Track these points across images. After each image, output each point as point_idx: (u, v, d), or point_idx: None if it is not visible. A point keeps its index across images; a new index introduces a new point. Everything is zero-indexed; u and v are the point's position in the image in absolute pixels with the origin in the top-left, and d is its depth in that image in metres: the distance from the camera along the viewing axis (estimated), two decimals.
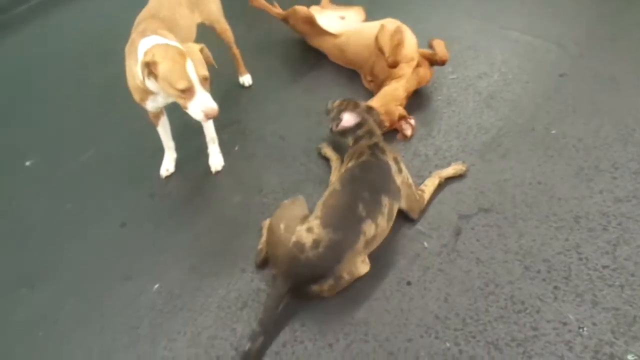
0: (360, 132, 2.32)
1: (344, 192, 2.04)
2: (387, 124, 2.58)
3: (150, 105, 2.28)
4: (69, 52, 3.84)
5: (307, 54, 3.33)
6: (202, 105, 2.01)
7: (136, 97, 2.25)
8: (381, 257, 2.10)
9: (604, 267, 2.03)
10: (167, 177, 2.59)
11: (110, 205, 2.53)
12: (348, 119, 2.33)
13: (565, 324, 1.87)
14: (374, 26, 2.85)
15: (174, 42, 2.06)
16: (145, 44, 2.04)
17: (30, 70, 3.73)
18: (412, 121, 2.65)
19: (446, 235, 2.19)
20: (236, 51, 3.01)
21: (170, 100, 2.21)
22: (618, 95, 2.75)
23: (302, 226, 1.95)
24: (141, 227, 2.39)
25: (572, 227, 2.18)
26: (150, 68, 1.95)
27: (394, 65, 2.67)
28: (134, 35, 2.19)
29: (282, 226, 1.99)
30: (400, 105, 2.68)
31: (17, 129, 3.19)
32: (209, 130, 2.51)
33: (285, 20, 3.29)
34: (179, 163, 2.67)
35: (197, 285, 2.13)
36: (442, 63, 2.80)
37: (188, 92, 1.98)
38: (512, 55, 3.12)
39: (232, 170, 2.62)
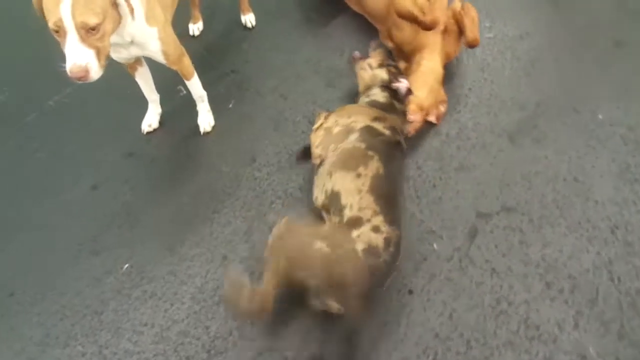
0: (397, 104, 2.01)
1: (388, 177, 1.76)
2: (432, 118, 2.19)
3: (113, 54, 1.84)
4: None
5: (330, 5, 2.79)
6: (69, 57, 1.54)
7: None
8: None
9: (638, 292, 1.76)
10: (148, 133, 2.28)
11: (82, 161, 2.24)
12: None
13: (584, 357, 1.63)
14: None
15: None
16: None
17: None
18: (444, 108, 2.24)
19: (460, 237, 1.90)
20: None
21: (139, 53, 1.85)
22: None
23: (359, 229, 1.62)
24: (115, 192, 2.12)
25: (607, 240, 1.89)
26: None
27: (432, 25, 2.19)
28: None
29: (321, 245, 1.58)
30: (441, 84, 2.24)
31: None
32: (194, 87, 2.16)
33: None
34: (164, 118, 2.34)
35: (172, 269, 1.90)
36: (471, 46, 2.30)
37: (59, 35, 1.54)
38: (562, 16, 2.64)
39: (224, 133, 2.29)
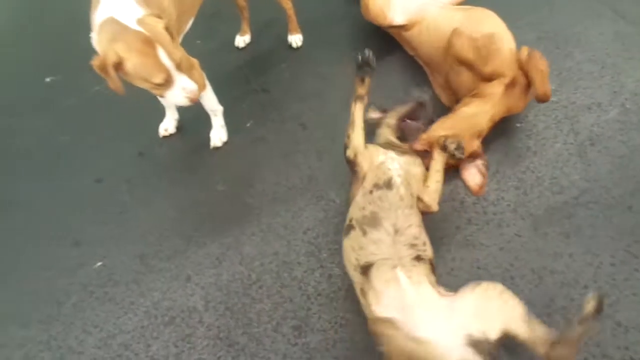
0: None
1: None
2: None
3: None
4: None
5: (382, 35, 2.61)
6: (183, 92, 1.78)
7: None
8: None
9: None
10: (164, 136, 2.35)
11: (97, 152, 2.37)
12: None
13: None
14: (453, 19, 2.15)
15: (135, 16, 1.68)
16: (100, 15, 1.69)
17: None
18: (484, 167, 2.01)
19: None
20: (288, 3, 2.53)
21: None
22: None
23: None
24: (114, 188, 2.21)
25: None
26: (111, 66, 1.64)
27: (491, 77, 2.01)
28: None
29: None
30: (478, 138, 2.03)
31: (47, 44, 3.11)
32: (207, 100, 2.17)
33: None
34: (183, 123, 2.40)
35: (137, 278, 1.93)
36: (541, 101, 2.02)
37: (166, 83, 1.73)
38: None
39: (233, 150, 2.28)
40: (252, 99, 2.45)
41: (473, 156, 2.02)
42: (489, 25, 2.06)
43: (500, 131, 2.17)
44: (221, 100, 2.26)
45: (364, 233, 1.61)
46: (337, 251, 1.91)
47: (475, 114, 2.02)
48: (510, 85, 2.03)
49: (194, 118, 2.39)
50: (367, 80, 1.83)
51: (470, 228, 1.93)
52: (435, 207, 1.74)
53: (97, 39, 1.69)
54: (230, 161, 2.24)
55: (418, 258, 1.54)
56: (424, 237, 1.60)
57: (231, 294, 1.85)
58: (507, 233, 1.90)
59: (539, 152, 2.10)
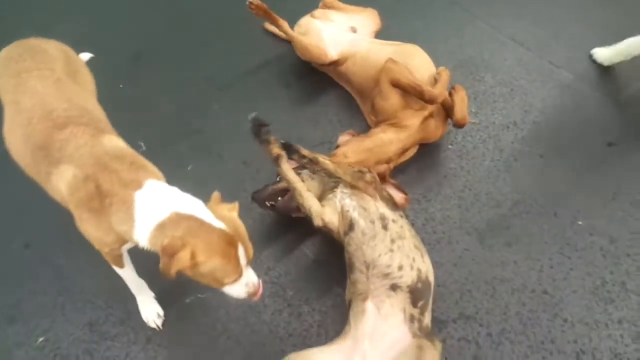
0: None
1: None
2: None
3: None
4: None
5: (311, 74, 2.74)
6: (247, 287, 1.49)
7: (105, 248, 1.60)
8: None
9: None
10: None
11: (22, 214, 2.19)
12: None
13: None
14: (385, 52, 2.36)
15: (201, 209, 1.43)
16: (150, 207, 1.40)
17: None
18: (398, 185, 2.17)
19: None
20: None
21: None
22: None
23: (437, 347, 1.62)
24: (48, 251, 2.05)
25: None
26: (183, 266, 1.34)
27: (435, 100, 2.17)
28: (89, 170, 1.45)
29: None
30: (386, 163, 2.20)
31: None
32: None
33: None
34: None
35: (89, 348, 1.80)
36: (458, 126, 2.30)
37: (233, 281, 1.48)
38: (556, 104, 2.61)
39: None
40: (188, 141, 2.42)
41: (382, 179, 2.16)
42: (418, 59, 2.30)
43: (434, 155, 2.39)
44: (157, 148, 2.22)
45: (349, 277, 1.74)
46: (303, 287, 1.95)
47: (390, 142, 2.22)
48: (429, 116, 2.26)
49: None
50: (271, 138, 1.87)
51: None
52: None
53: (157, 241, 1.38)
54: None
55: (394, 287, 1.63)
56: (397, 261, 1.67)
57: (198, 348, 1.80)
58: (457, 249, 2.08)
59: (472, 171, 2.34)
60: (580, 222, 2.15)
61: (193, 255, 1.32)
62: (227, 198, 2.20)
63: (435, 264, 2.01)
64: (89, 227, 1.48)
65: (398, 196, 2.16)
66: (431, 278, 1.73)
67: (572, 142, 2.44)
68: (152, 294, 1.89)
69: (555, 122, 2.53)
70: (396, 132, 2.22)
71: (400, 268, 1.66)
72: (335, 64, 2.50)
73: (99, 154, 1.46)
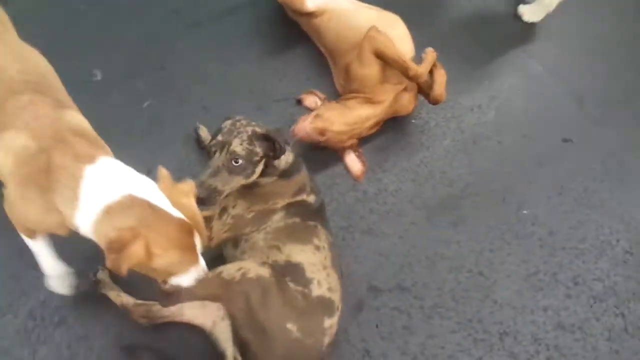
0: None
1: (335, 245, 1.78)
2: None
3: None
4: None
5: (286, 25, 2.63)
6: (197, 274, 1.36)
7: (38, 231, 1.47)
8: None
9: None
10: None
11: None
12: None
13: None
14: (367, 16, 2.29)
15: (156, 194, 1.27)
16: (100, 185, 1.25)
17: None
18: (362, 156, 2.22)
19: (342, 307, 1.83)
20: None
21: None
22: (622, 189, 2.34)
23: (332, 319, 1.61)
24: None
25: (493, 346, 1.87)
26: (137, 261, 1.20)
27: (418, 78, 2.16)
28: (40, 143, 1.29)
29: (292, 328, 1.51)
30: (356, 138, 2.23)
31: None
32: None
33: None
34: None
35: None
36: (434, 103, 2.29)
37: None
38: (522, 94, 2.64)
39: (126, 133, 2.15)
40: (148, 77, 2.32)
41: (351, 149, 2.22)
42: (400, 29, 2.25)
43: (397, 127, 2.39)
44: (113, 79, 2.11)
45: None
46: None
47: (367, 118, 2.21)
48: (403, 90, 2.25)
49: None
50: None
51: (372, 217, 2.11)
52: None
53: (103, 229, 1.22)
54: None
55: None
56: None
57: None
58: (404, 222, 2.12)
59: (431, 147, 2.36)
60: (525, 211, 2.22)
61: (148, 249, 1.18)
62: (182, 142, 2.17)
63: (382, 235, 2.07)
64: (29, 207, 1.32)
65: (355, 167, 2.18)
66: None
67: (531, 132, 2.49)
68: (67, 270, 1.67)
69: (518, 111, 2.57)
70: (372, 108, 2.19)
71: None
72: (311, 15, 2.41)
73: (60, 128, 1.31)
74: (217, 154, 1.62)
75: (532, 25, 2.90)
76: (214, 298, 1.55)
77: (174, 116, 2.23)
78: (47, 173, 1.25)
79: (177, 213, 1.25)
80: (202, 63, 2.43)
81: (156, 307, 1.63)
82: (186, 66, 2.41)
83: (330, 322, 1.59)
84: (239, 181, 1.64)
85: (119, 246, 1.15)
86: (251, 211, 1.72)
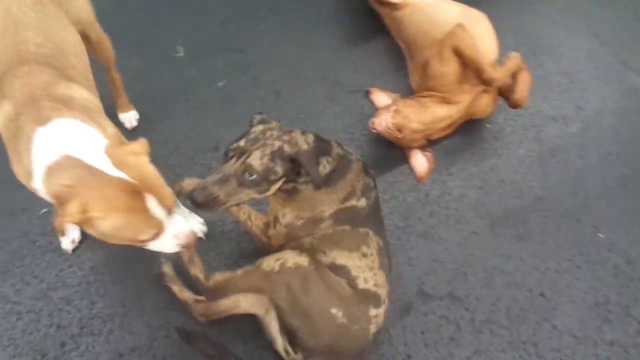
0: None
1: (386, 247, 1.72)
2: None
3: None
4: None
5: (366, 15, 2.60)
6: (176, 239, 1.33)
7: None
8: None
9: None
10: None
11: None
12: None
13: None
14: (451, 11, 2.20)
15: (96, 154, 1.21)
16: (44, 147, 1.22)
17: None
18: (431, 156, 2.15)
19: (389, 309, 1.78)
20: (116, 75, 2.02)
21: None
22: None
23: (378, 309, 1.58)
24: None
25: None
26: (77, 222, 1.17)
27: (493, 83, 2.05)
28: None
29: (337, 313, 1.49)
30: (429, 139, 2.17)
31: None
32: None
33: None
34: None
35: None
36: (513, 107, 2.17)
37: (154, 236, 1.30)
38: (614, 108, 2.43)
39: (200, 107, 2.23)
40: (226, 58, 2.39)
41: (421, 149, 2.15)
42: (484, 28, 2.14)
43: (470, 130, 2.28)
44: (194, 56, 2.19)
45: None
46: None
47: (442, 119, 2.12)
48: (482, 92, 2.14)
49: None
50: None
51: (431, 220, 2.03)
52: None
53: (48, 189, 1.20)
54: (194, 121, 2.19)
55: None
56: None
57: None
58: (465, 229, 2.02)
59: (504, 155, 2.24)
60: (601, 235, 2.05)
61: (84, 210, 1.12)
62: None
63: (439, 239, 1.99)
64: (17, 173, 1.33)
65: (420, 168, 2.11)
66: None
67: (618, 151, 2.29)
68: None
69: (607, 127, 2.37)
70: (448, 108, 2.11)
71: None
72: (394, 6, 2.35)
73: (37, 94, 1.28)
74: (233, 161, 1.44)
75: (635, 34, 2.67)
76: (257, 290, 1.55)
77: (246, 98, 2.28)
78: (15, 138, 1.26)
79: (118, 173, 1.18)
80: (279, 48, 2.46)
81: (213, 303, 1.66)
82: (263, 50, 2.45)
83: (377, 312, 1.55)
84: (248, 194, 1.47)
85: (60, 201, 1.15)
86: (300, 218, 1.65)
